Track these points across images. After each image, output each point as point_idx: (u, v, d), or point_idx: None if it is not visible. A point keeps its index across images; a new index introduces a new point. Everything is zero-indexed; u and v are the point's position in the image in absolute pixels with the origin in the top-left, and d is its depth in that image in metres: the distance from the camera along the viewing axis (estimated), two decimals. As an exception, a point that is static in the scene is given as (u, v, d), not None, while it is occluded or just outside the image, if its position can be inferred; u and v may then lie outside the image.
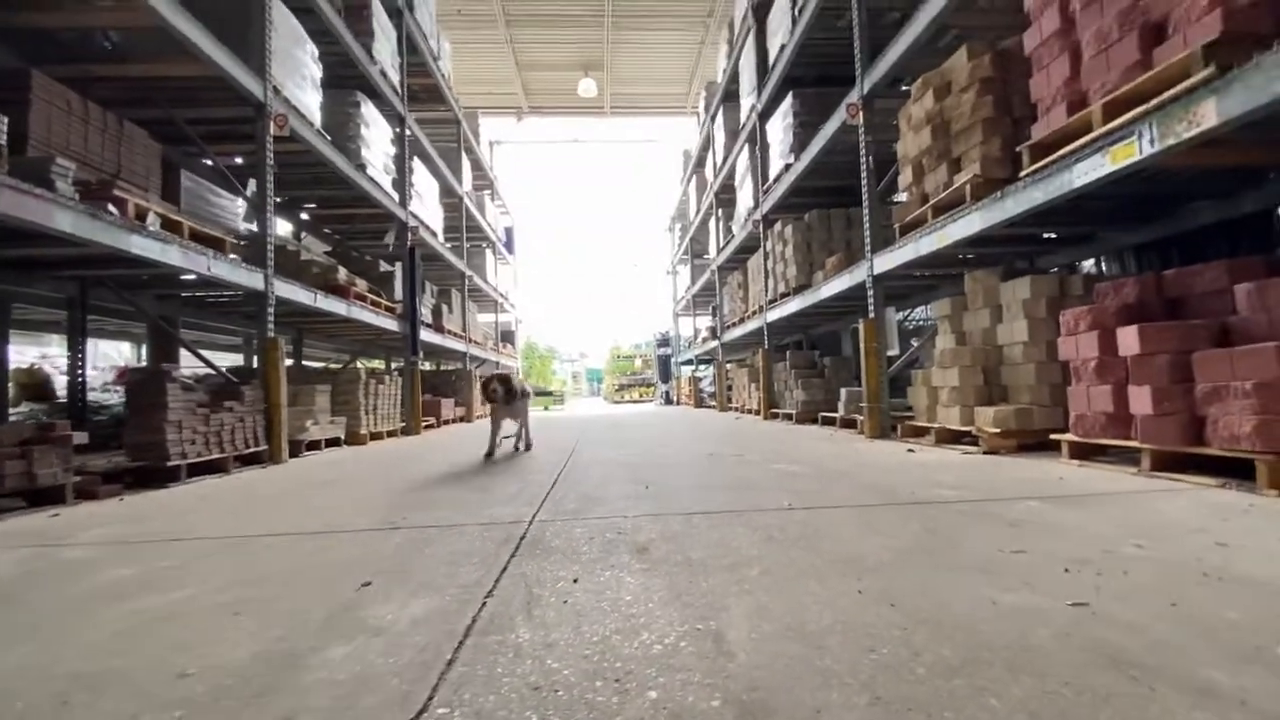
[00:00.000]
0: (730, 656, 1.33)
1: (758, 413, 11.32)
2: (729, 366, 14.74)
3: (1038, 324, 4.70)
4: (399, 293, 10.13)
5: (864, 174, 6.52)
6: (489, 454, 5.46)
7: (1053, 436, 4.22)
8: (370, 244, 11.27)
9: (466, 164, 15.13)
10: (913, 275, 7.19)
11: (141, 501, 3.91)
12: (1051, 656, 1.28)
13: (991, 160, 4.71)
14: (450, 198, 13.62)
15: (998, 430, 4.56)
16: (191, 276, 6.25)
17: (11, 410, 6.51)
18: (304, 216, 10.85)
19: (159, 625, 1.66)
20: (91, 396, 7.21)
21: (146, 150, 5.50)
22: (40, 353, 11.88)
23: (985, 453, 4.60)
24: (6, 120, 3.47)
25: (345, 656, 1.40)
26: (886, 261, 6.15)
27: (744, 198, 11.59)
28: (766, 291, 10.23)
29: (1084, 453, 3.94)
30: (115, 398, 7.64)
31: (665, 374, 25.53)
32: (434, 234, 11.84)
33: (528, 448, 6.09)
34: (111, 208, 4.15)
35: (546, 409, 22.85)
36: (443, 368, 16.33)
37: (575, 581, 1.88)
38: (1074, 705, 1.10)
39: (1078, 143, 3.60)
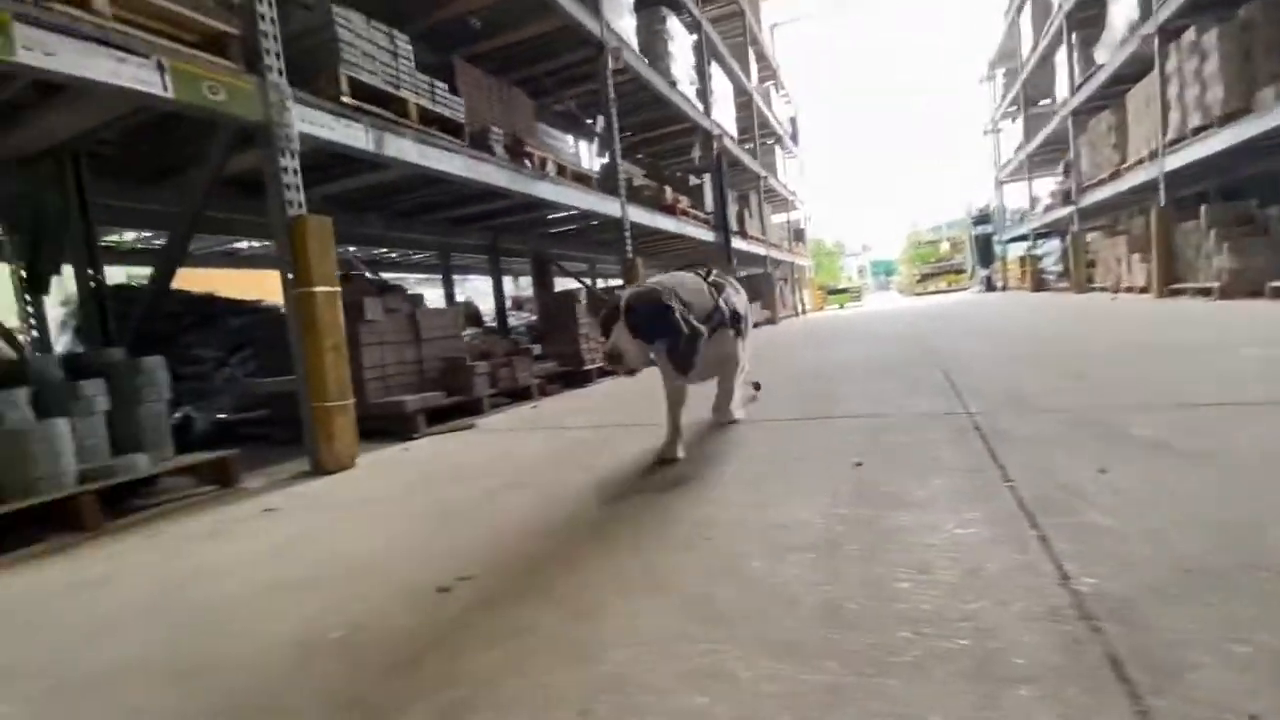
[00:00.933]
0: None
1: (1144, 290, 9.11)
2: (1090, 237, 12.05)
3: None
4: (709, 204, 10.49)
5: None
6: (666, 457, 2.45)
7: None
8: (677, 160, 11.79)
9: (752, 57, 14.59)
10: None
11: (577, 397, 4.88)
12: None
13: None
14: (740, 96, 13.36)
15: None
16: (560, 214, 7.30)
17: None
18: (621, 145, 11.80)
19: (728, 487, 2.00)
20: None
21: (523, 107, 6.46)
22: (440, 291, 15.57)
23: None
24: (463, 103, 4.37)
25: (917, 525, 1.51)
26: None
27: (1120, 9, 8.90)
28: (1164, 130, 7.88)
29: None
30: (514, 320, 9.66)
31: (986, 257, 22.14)
32: (732, 139, 11.84)
33: (753, 393, 3.68)
34: (526, 162, 5.01)
35: (842, 307, 22.05)
36: (741, 274, 16.73)
37: (1103, 472, 1.73)
38: None
39: None
